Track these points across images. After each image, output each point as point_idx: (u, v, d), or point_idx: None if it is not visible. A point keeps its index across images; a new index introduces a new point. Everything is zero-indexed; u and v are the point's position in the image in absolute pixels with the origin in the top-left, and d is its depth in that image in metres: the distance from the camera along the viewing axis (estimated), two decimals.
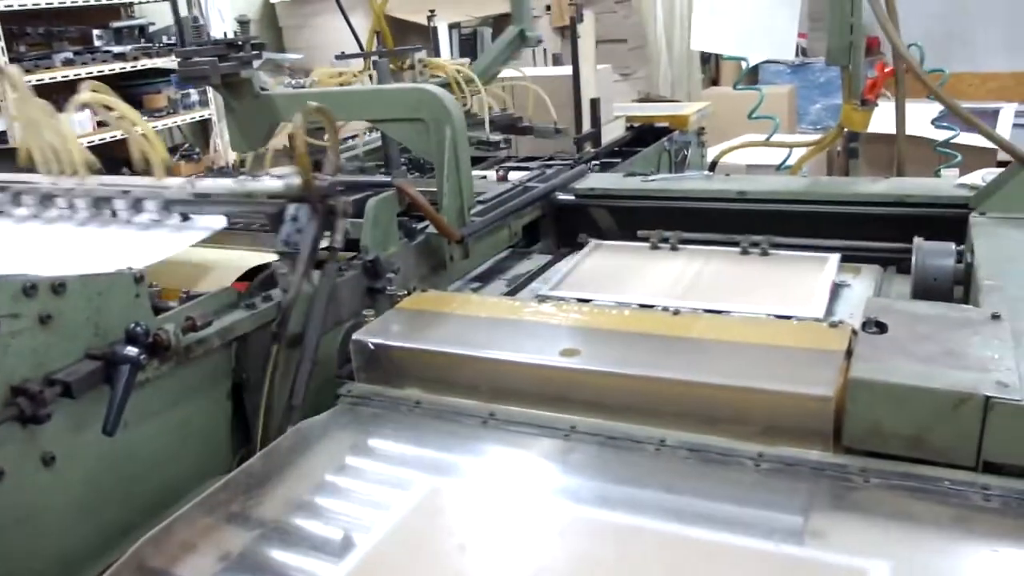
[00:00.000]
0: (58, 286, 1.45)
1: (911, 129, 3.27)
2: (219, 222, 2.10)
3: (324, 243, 1.95)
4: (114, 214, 2.19)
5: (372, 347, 1.80)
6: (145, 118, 6.29)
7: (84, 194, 2.23)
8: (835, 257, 2.33)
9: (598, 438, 1.54)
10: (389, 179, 2.30)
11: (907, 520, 1.31)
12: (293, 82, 3.64)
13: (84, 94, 2.15)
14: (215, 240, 2.12)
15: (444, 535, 1.36)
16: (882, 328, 1.58)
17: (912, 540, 1.28)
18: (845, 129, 2.98)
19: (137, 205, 2.17)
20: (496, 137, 3.26)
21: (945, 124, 3.83)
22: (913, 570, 1.21)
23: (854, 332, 1.61)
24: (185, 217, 2.15)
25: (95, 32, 6.08)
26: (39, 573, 1.42)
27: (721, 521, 1.33)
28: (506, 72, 3.61)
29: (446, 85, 2.98)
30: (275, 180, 2.07)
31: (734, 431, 1.49)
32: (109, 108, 2.21)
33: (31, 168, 2.30)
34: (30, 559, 1.41)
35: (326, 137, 2.06)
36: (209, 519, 1.39)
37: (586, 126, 4.06)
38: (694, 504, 1.38)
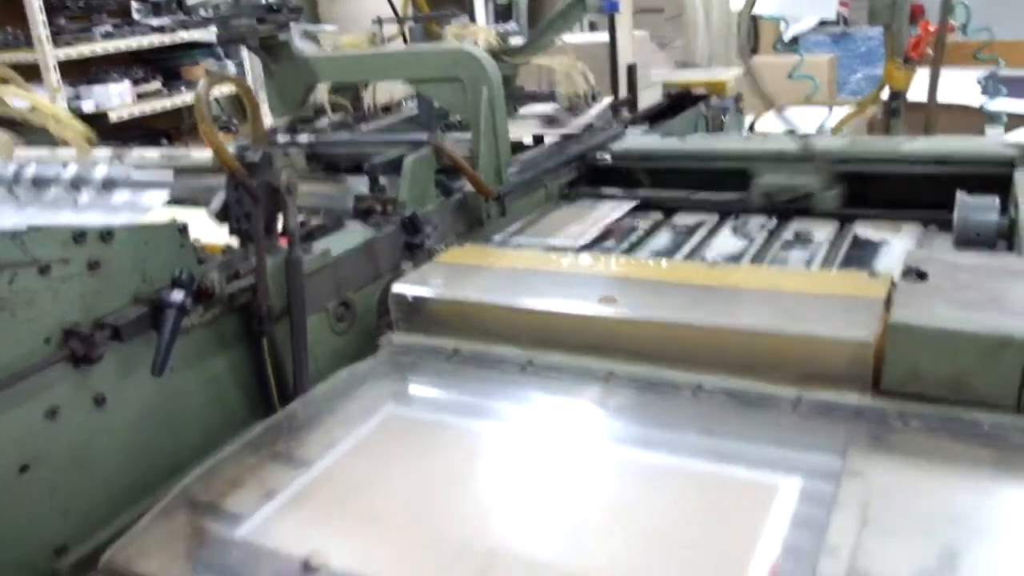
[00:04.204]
0: (105, 234, 1.48)
1: (956, 97, 3.20)
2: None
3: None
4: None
5: (411, 299, 1.82)
6: (183, 89, 6.33)
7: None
8: None
9: (636, 383, 1.55)
10: (425, 137, 2.32)
11: (947, 461, 1.31)
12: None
13: None
14: None
15: (486, 476, 1.38)
16: (922, 276, 1.57)
17: (952, 481, 1.27)
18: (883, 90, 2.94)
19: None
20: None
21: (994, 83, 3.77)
22: (954, 511, 1.21)
23: (893, 283, 1.60)
24: None
25: (133, 5, 6.13)
26: (92, 508, 1.47)
27: (759, 461, 1.33)
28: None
29: None
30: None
31: (772, 377, 1.49)
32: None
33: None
34: (83, 494, 1.45)
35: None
36: (254, 458, 1.43)
37: (622, 92, 4.05)
38: (733, 445, 1.39)
